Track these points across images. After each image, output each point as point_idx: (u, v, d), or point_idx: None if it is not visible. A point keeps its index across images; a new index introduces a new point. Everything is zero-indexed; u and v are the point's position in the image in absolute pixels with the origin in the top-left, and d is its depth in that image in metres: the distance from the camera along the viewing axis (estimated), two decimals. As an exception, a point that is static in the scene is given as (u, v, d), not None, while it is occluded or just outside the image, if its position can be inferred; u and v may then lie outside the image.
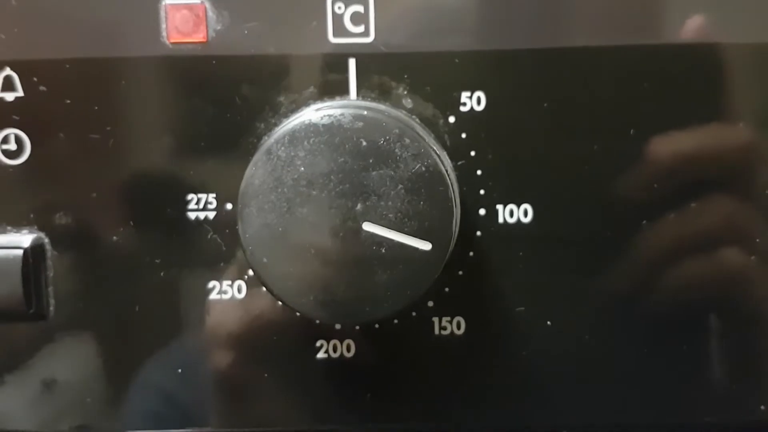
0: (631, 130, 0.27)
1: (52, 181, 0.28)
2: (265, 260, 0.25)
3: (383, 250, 0.24)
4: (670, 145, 0.27)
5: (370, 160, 0.24)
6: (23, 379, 0.29)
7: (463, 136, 0.28)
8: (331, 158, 0.24)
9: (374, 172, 0.24)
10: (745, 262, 0.27)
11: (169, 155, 0.28)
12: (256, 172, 0.25)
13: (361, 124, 0.24)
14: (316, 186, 0.24)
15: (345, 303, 0.25)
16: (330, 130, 0.24)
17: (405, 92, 0.27)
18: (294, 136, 0.24)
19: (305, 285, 0.25)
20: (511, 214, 0.28)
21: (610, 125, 0.27)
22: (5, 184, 0.28)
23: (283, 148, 0.24)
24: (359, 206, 0.24)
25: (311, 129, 0.24)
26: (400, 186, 0.24)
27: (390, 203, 0.24)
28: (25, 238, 0.28)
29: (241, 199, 0.25)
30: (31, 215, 0.28)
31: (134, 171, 0.28)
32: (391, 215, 0.24)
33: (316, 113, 0.25)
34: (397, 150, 0.24)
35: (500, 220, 0.28)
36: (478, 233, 0.28)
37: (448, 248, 0.25)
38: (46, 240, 0.28)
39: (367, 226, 0.24)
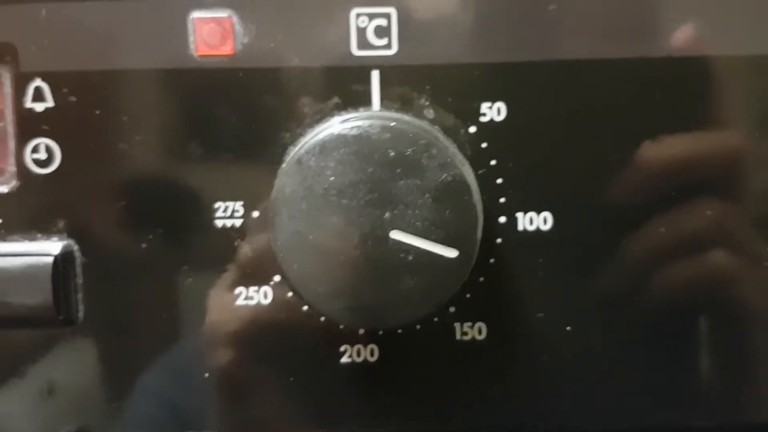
0: (648, 140, 0.28)
1: (81, 189, 0.29)
2: (295, 266, 0.25)
3: (410, 258, 0.25)
4: (685, 151, 0.28)
5: (398, 170, 0.25)
6: (42, 383, 0.29)
7: (484, 145, 0.28)
8: (360, 168, 0.25)
9: (402, 182, 0.25)
10: None
11: (197, 165, 0.28)
12: (287, 181, 0.25)
13: (389, 135, 0.25)
14: (345, 195, 0.25)
15: (373, 309, 0.25)
16: (359, 141, 0.25)
17: (426, 103, 0.28)
18: (324, 147, 0.25)
19: (334, 291, 0.25)
20: (531, 221, 0.28)
21: (629, 134, 0.28)
22: (36, 192, 0.29)
23: (313, 158, 0.25)
24: (387, 215, 0.25)
25: (341, 140, 0.25)
26: (427, 195, 0.25)
27: (417, 212, 0.25)
28: (55, 246, 0.29)
29: (273, 207, 0.25)
30: (61, 223, 0.29)
31: (162, 180, 0.29)
32: (418, 223, 0.25)
33: (345, 124, 0.25)
34: (423, 160, 0.25)
35: (520, 227, 0.28)
36: (499, 240, 0.29)
37: (473, 255, 0.25)
38: (76, 247, 0.29)
39: (395, 234, 0.25)
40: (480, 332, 0.29)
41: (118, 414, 0.30)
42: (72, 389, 0.30)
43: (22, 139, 0.28)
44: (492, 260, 0.29)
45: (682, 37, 0.28)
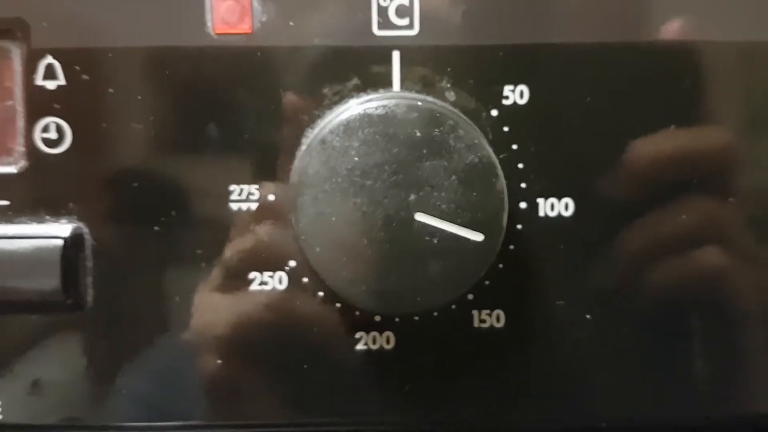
0: (672, 126, 0.28)
1: (92, 170, 0.28)
2: (318, 249, 0.25)
3: (436, 241, 0.24)
4: (710, 140, 0.28)
5: (424, 151, 0.25)
6: (57, 368, 0.29)
7: (506, 129, 0.28)
8: (385, 148, 0.24)
9: (428, 163, 0.24)
10: None
11: (213, 146, 0.28)
12: (310, 162, 0.25)
13: (415, 114, 0.25)
14: (370, 176, 0.24)
15: (397, 293, 0.25)
16: (384, 121, 0.25)
17: (448, 85, 0.27)
18: (349, 126, 0.25)
19: (357, 275, 0.25)
20: (552, 207, 0.28)
21: (653, 120, 0.28)
22: (45, 172, 0.28)
23: (337, 138, 0.25)
24: (412, 197, 0.24)
25: (366, 119, 0.25)
26: (454, 177, 0.24)
27: (443, 194, 0.24)
28: (64, 228, 0.28)
29: (295, 188, 0.25)
30: (71, 205, 0.28)
31: (177, 161, 0.28)
32: (444, 206, 0.24)
33: (370, 104, 0.25)
34: (451, 141, 0.25)
35: (541, 213, 0.28)
36: (519, 226, 0.28)
37: (499, 239, 0.25)
38: (86, 230, 0.28)
39: (420, 217, 0.24)
40: (498, 320, 0.29)
41: (123, 399, 0.29)
42: (76, 375, 0.29)
43: (32, 117, 0.28)
44: (512, 246, 0.28)
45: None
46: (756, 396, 0.29)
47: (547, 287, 0.28)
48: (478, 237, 0.24)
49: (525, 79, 0.27)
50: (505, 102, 0.28)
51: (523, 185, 0.28)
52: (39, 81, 0.28)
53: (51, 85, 0.28)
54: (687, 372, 0.29)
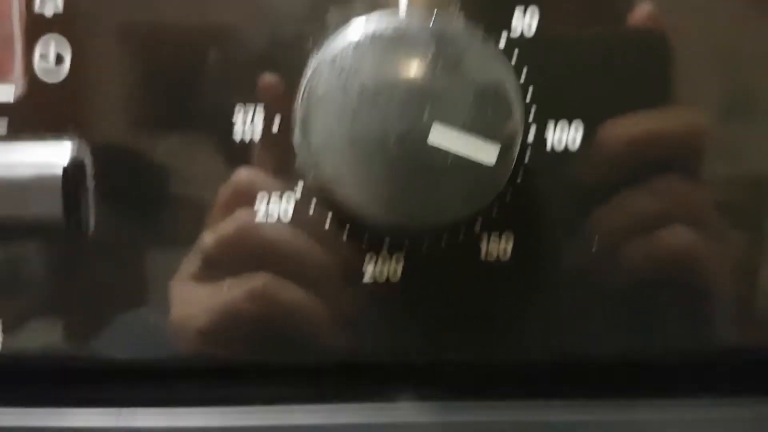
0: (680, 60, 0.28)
1: (93, 94, 0.27)
2: (329, 170, 0.24)
3: (449, 160, 0.24)
4: None
5: (437, 69, 0.24)
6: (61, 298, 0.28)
7: (514, 56, 0.27)
8: (397, 67, 0.24)
9: (441, 82, 0.24)
10: None
11: (217, 69, 0.27)
12: (319, 82, 0.24)
13: (427, 33, 0.24)
14: (382, 95, 0.24)
15: (410, 210, 0.24)
16: (396, 39, 0.24)
17: (456, 10, 0.27)
18: (359, 45, 0.24)
19: (370, 193, 0.24)
20: (560, 140, 0.28)
21: (666, 48, 0.27)
22: (44, 97, 0.27)
23: (348, 57, 0.24)
24: (425, 115, 0.24)
25: (377, 37, 0.24)
26: (468, 95, 0.24)
27: (457, 112, 0.24)
28: (65, 154, 0.27)
29: (306, 109, 0.24)
30: (71, 129, 0.27)
31: (180, 84, 0.27)
32: (458, 124, 0.24)
33: (381, 23, 0.24)
34: (465, 60, 0.24)
35: (548, 146, 0.28)
36: (527, 158, 0.28)
37: (513, 158, 0.25)
38: (87, 155, 0.27)
39: (433, 134, 0.24)
40: (505, 252, 0.28)
41: (125, 328, 0.28)
42: (78, 303, 0.28)
43: (31, 43, 0.27)
44: (519, 179, 0.28)
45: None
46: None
47: (552, 219, 0.28)
48: (491, 155, 0.24)
49: (534, 1, 0.27)
50: (514, 28, 0.27)
51: (531, 116, 0.28)
52: (37, 7, 0.27)
53: (49, 10, 0.27)
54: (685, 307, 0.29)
